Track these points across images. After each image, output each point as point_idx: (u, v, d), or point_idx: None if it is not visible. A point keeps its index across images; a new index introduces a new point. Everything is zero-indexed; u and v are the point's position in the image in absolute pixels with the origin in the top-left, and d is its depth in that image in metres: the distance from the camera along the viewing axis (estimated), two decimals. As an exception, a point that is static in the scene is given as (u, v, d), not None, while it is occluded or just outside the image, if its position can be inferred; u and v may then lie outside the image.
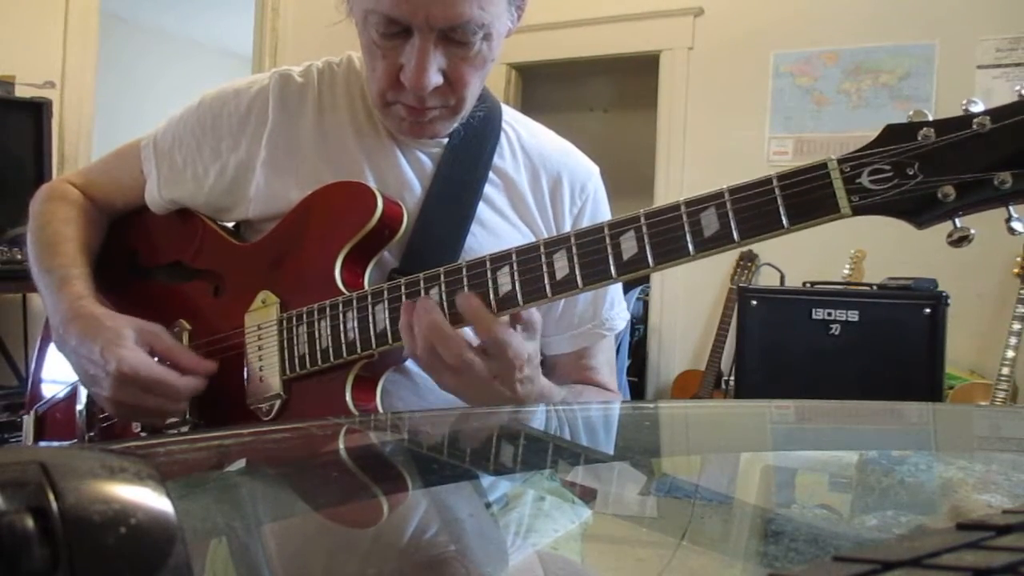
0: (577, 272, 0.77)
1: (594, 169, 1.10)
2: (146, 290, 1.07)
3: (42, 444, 1.11)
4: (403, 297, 0.84)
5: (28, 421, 1.11)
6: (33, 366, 1.15)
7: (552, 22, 3.89)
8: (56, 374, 1.10)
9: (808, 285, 2.76)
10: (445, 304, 0.82)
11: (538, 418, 0.82)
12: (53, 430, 1.10)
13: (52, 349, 1.04)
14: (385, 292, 0.86)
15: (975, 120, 0.65)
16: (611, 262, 0.76)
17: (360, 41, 0.92)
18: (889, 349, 2.45)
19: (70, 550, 0.19)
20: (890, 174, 0.67)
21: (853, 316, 2.51)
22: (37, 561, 0.19)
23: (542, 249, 0.79)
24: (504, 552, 0.43)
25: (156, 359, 0.92)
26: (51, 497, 0.20)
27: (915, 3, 3.39)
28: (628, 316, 1.13)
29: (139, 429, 1.00)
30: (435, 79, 0.87)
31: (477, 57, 0.89)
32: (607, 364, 1.10)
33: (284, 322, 0.92)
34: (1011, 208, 0.66)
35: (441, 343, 0.79)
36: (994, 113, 0.65)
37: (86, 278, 1.00)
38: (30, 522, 0.19)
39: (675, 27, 3.83)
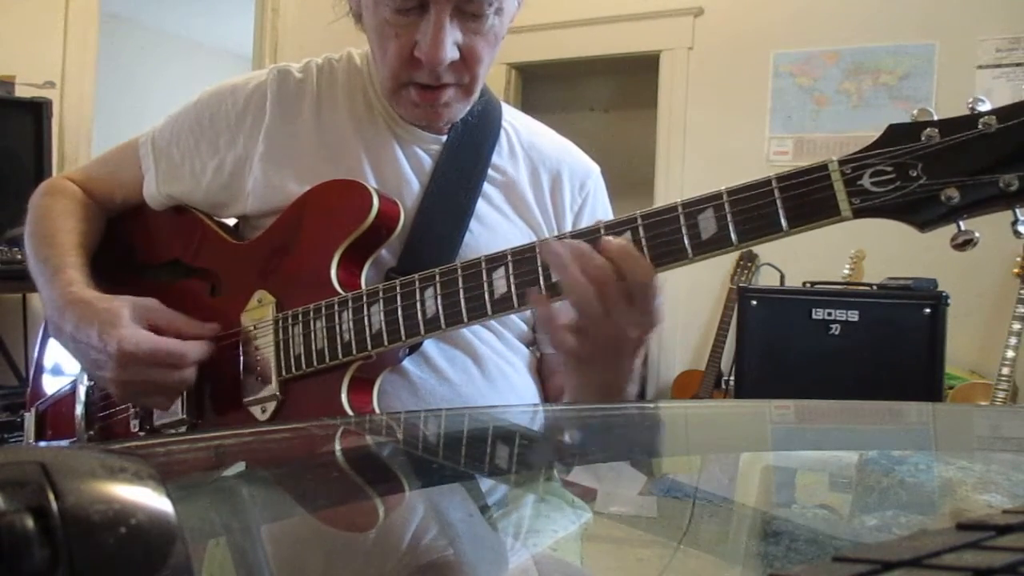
0: None
1: (594, 167, 1.10)
2: (144, 288, 1.06)
3: (42, 443, 1.11)
4: (398, 298, 0.84)
5: (29, 418, 1.11)
6: (34, 361, 1.15)
7: (552, 22, 3.89)
8: (57, 369, 1.10)
9: (808, 285, 2.76)
10: (440, 307, 0.81)
11: (537, 418, 0.82)
12: (54, 427, 1.09)
13: (52, 343, 1.03)
14: (380, 293, 0.85)
15: (981, 120, 0.63)
16: None
17: (370, 26, 0.91)
18: (889, 349, 2.45)
19: (70, 550, 0.19)
20: (892, 176, 0.65)
21: (853, 316, 2.51)
22: (37, 561, 0.19)
23: (538, 251, 0.78)
24: (503, 555, 0.43)
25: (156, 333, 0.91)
26: (51, 497, 0.20)
27: (915, 3, 3.39)
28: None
29: (138, 429, 1.00)
30: (452, 53, 0.87)
31: (490, 32, 0.89)
32: None
33: (280, 322, 0.92)
34: (1017, 210, 0.64)
35: (631, 265, 0.74)
36: (1000, 113, 0.63)
37: (80, 268, 0.99)
38: (30, 522, 0.19)
39: (675, 27, 3.83)
